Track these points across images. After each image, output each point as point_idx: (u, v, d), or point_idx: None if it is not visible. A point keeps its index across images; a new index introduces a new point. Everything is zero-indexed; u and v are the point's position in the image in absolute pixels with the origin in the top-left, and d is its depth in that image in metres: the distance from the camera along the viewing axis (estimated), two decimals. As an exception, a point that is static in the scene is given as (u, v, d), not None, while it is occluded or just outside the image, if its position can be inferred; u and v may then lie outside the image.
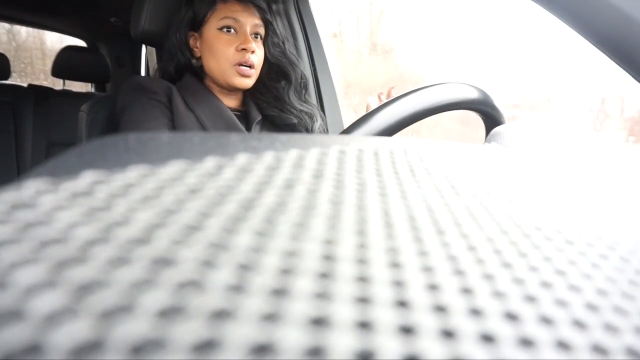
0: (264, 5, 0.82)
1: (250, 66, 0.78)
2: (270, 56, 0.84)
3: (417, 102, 0.58)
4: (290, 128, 0.85)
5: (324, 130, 0.89)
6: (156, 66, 0.93)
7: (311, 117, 0.86)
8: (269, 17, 0.83)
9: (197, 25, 0.80)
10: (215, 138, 0.20)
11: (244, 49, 0.77)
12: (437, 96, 0.60)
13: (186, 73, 0.83)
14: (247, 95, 0.87)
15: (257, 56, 0.79)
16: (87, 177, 0.14)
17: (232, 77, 0.78)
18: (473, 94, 0.63)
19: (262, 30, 0.82)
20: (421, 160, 0.22)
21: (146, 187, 0.14)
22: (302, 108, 0.86)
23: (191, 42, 0.81)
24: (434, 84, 0.61)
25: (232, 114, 0.80)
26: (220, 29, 0.77)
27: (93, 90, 2.19)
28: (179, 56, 0.81)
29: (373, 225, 0.13)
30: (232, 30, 0.78)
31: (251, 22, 0.79)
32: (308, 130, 0.85)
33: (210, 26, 0.78)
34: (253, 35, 0.79)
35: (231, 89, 0.81)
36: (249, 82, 0.79)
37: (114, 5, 1.76)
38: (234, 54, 0.77)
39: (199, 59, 0.81)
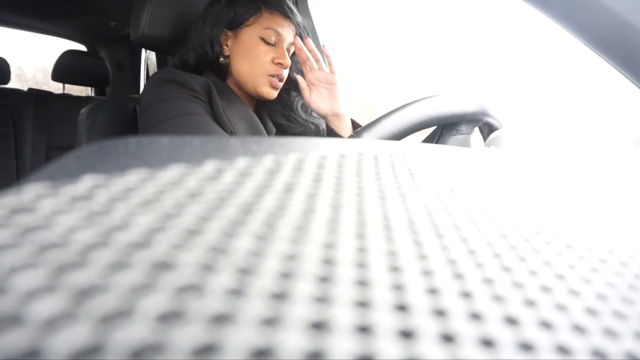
0: (301, 23, 0.82)
1: (281, 80, 0.79)
2: (292, 71, 0.84)
3: (417, 114, 0.59)
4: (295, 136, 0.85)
5: None
6: (173, 57, 0.88)
7: (317, 126, 0.87)
8: (303, 34, 0.83)
9: (234, 25, 0.79)
10: (215, 142, 0.20)
11: (280, 64, 0.77)
12: (437, 108, 0.60)
13: (206, 70, 0.82)
14: (259, 102, 0.87)
15: (287, 71, 0.80)
16: (86, 181, 0.14)
17: (263, 85, 0.78)
18: (473, 106, 0.63)
19: (291, 48, 0.82)
20: (420, 164, 0.22)
21: (146, 191, 0.14)
22: (308, 118, 0.86)
23: (222, 39, 0.80)
24: (432, 96, 0.61)
25: (259, 122, 0.80)
26: (262, 38, 0.77)
27: (93, 94, 2.20)
28: (207, 50, 0.80)
29: (373, 228, 0.13)
30: (272, 42, 0.78)
31: (289, 38, 0.80)
32: None
33: (251, 31, 0.78)
34: (287, 51, 0.80)
35: (254, 96, 0.81)
36: (275, 94, 0.80)
37: (114, 10, 1.76)
38: (269, 65, 0.77)
39: (227, 57, 0.80)
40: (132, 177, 0.15)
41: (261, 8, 0.78)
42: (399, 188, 0.18)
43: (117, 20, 1.85)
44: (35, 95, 1.72)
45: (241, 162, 0.17)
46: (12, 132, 1.64)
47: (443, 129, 0.69)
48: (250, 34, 0.78)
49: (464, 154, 0.27)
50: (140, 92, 0.76)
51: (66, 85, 1.89)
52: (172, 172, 0.15)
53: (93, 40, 2.17)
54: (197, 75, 0.77)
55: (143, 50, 2.02)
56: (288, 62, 0.78)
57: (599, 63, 0.42)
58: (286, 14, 0.79)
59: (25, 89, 1.75)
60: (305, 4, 1.17)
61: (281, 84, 0.79)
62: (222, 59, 0.80)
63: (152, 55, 1.94)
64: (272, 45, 0.78)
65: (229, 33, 0.80)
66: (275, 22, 0.78)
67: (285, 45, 0.79)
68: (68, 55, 1.85)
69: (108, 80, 1.93)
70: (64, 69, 1.83)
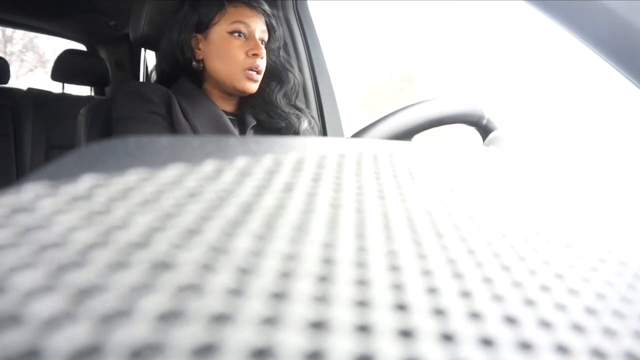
0: (270, 11, 0.82)
1: (259, 72, 0.78)
2: (268, 62, 0.84)
3: (415, 116, 0.59)
4: (280, 132, 0.85)
5: (312, 131, 0.88)
6: (154, 69, 0.91)
7: (298, 117, 0.86)
8: (274, 23, 0.83)
9: (202, 27, 0.79)
10: (215, 142, 0.20)
11: (255, 54, 0.77)
12: (433, 110, 0.60)
13: (182, 76, 0.82)
14: (242, 99, 0.87)
15: (264, 61, 0.80)
16: (86, 181, 0.14)
17: (241, 81, 0.78)
18: (469, 108, 0.64)
19: (266, 36, 0.82)
20: (420, 164, 0.22)
21: (145, 190, 0.14)
22: (289, 110, 0.86)
23: (193, 43, 0.80)
24: (431, 99, 0.62)
25: (227, 120, 0.79)
26: (231, 33, 0.77)
27: (92, 94, 2.20)
28: (178, 57, 0.80)
29: (372, 228, 0.13)
30: (242, 35, 0.78)
31: (260, 27, 0.79)
32: (296, 131, 0.84)
33: (219, 29, 0.78)
34: (260, 41, 0.79)
35: (234, 93, 0.81)
36: (255, 87, 0.80)
37: (114, 9, 1.76)
38: (245, 58, 0.77)
39: (200, 61, 0.80)
40: (132, 176, 0.15)
41: (224, 4, 0.78)
42: (399, 187, 0.18)
43: (117, 19, 1.85)
44: (35, 95, 1.71)
45: (241, 162, 0.17)
46: (11, 131, 1.64)
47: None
48: (219, 32, 0.78)
49: (463, 153, 0.27)
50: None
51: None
52: (171, 171, 0.15)
53: (93, 40, 2.16)
54: (162, 85, 0.79)
55: (143, 49, 2.01)
56: (263, 52, 0.77)
57: (598, 63, 0.42)
58: (251, 4, 0.79)
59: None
60: (305, 6, 1.17)
61: (259, 76, 0.79)
62: (194, 63, 0.80)
63: (152, 54, 1.94)
64: (243, 38, 0.78)
65: (199, 36, 0.80)
66: (242, 14, 0.78)
67: (257, 35, 0.79)
68: (67, 54, 1.84)
69: (108, 79, 1.93)
70: (64, 68, 1.83)
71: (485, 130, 0.68)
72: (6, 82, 1.80)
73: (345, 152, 0.21)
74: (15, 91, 1.71)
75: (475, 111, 0.64)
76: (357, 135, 0.59)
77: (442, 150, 0.26)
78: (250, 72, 0.77)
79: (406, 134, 0.60)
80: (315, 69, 1.12)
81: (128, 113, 0.74)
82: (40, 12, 1.90)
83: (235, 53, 0.77)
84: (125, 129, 0.73)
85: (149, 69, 1.94)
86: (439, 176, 0.20)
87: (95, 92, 2.19)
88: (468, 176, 0.21)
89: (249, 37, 0.78)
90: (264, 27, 0.81)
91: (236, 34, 0.77)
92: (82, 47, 2.20)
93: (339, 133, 1.14)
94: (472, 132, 0.71)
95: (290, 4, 1.12)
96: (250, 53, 0.77)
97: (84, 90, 2.10)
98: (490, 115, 0.67)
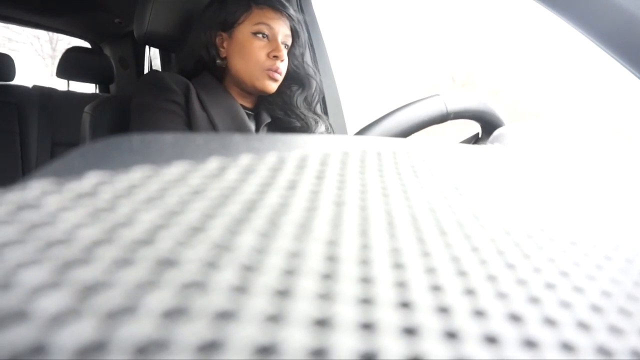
0: (295, 16, 0.83)
1: (279, 73, 0.79)
2: (290, 66, 0.85)
3: (419, 113, 0.59)
4: (295, 131, 0.85)
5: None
6: (173, 63, 0.92)
7: (316, 122, 0.87)
8: (298, 28, 0.84)
9: (227, 26, 0.80)
10: (219, 139, 0.20)
11: (275, 57, 0.78)
12: (435, 107, 0.60)
13: (204, 71, 0.84)
14: (261, 97, 0.88)
15: (285, 64, 0.81)
16: (91, 178, 0.14)
17: (261, 79, 0.79)
18: (473, 104, 0.63)
19: (289, 41, 0.83)
20: (424, 161, 0.22)
21: (150, 188, 0.14)
22: (308, 114, 0.86)
23: (218, 41, 0.82)
24: (429, 96, 0.61)
25: (244, 114, 0.81)
26: (254, 33, 0.78)
27: (97, 91, 2.20)
28: (203, 55, 0.82)
29: (376, 226, 0.13)
30: (265, 37, 0.79)
31: (283, 31, 0.80)
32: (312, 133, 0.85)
33: (243, 29, 0.79)
34: (283, 45, 0.81)
35: (254, 92, 0.82)
36: (275, 87, 0.81)
37: (118, 7, 1.76)
38: (265, 59, 0.78)
39: (223, 59, 0.82)
40: (136, 174, 0.15)
41: (251, 5, 0.80)
42: (402, 185, 0.18)
43: (121, 17, 1.85)
44: (40, 92, 1.72)
45: (244, 159, 0.17)
46: (17, 129, 1.65)
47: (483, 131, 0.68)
48: (243, 32, 0.79)
49: (468, 151, 0.27)
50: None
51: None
52: (175, 169, 0.15)
53: (97, 37, 2.17)
54: (182, 77, 0.80)
55: (147, 47, 2.02)
56: (282, 54, 0.79)
57: (604, 59, 0.42)
58: (276, 8, 0.80)
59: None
60: (309, 5, 1.17)
61: (280, 77, 0.80)
62: (218, 61, 0.82)
63: (156, 52, 1.94)
64: (266, 39, 0.79)
65: (224, 35, 0.81)
66: (266, 16, 0.79)
67: (280, 39, 0.80)
68: (72, 52, 1.85)
69: (112, 77, 1.93)
70: (68, 65, 1.84)
71: (490, 127, 0.68)
72: (12, 80, 1.81)
73: (348, 150, 0.21)
74: (21, 89, 1.72)
75: (482, 107, 0.64)
76: (360, 132, 0.59)
77: (445, 147, 0.26)
78: (270, 72, 0.78)
79: (411, 131, 0.60)
80: (319, 67, 1.12)
81: (147, 101, 0.75)
82: (45, 10, 1.90)
83: (257, 53, 0.78)
84: (142, 118, 0.74)
85: (153, 66, 1.94)
86: (443, 173, 0.20)
87: (100, 90, 2.20)
88: (472, 173, 0.21)
89: (271, 39, 0.79)
90: (288, 32, 0.82)
91: (259, 35, 0.79)
92: (86, 45, 2.21)
93: (343, 131, 1.14)
94: (474, 128, 0.71)
95: (294, 2, 1.12)
96: (272, 54, 0.78)
97: (89, 88, 2.11)
98: (496, 110, 0.66)
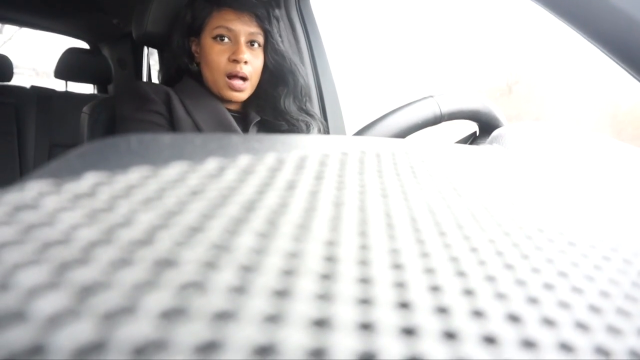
0: (261, 12, 0.79)
1: (243, 78, 0.76)
2: (269, 63, 0.81)
3: (418, 113, 0.59)
4: (284, 131, 0.84)
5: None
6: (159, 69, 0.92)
7: (307, 125, 0.84)
8: (267, 25, 0.79)
9: (195, 31, 0.79)
10: (217, 139, 0.20)
11: (234, 60, 0.75)
12: (428, 109, 0.60)
13: (185, 76, 0.83)
14: (247, 100, 0.86)
15: (252, 66, 0.77)
16: (89, 179, 0.14)
17: (224, 89, 0.77)
18: (468, 104, 0.63)
19: (260, 38, 0.79)
20: (423, 162, 0.22)
21: (148, 188, 0.14)
22: (299, 117, 0.83)
23: (193, 47, 0.80)
24: (426, 97, 0.61)
25: (230, 117, 0.78)
26: (214, 38, 0.76)
27: (95, 92, 2.20)
28: (178, 59, 0.81)
29: (375, 226, 0.13)
30: (226, 40, 0.76)
31: (246, 30, 0.77)
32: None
33: (206, 35, 0.77)
34: (249, 44, 0.77)
35: (225, 100, 0.80)
36: (241, 96, 0.78)
37: (117, 7, 1.76)
38: (226, 64, 0.75)
39: (198, 64, 0.80)
40: (135, 174, 0.15)
41: (211, 9, 0.77)
42: (401, 186, 0.18)
43: (120, 18, 1.85)
44: (38, 93, 1.72)
45: (243, 160, 0.17)
46: (14, 129, 1.65)
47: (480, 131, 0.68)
48: (206, 38, 0.77)
49: (467, 151, 0.27)
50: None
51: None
52: (174, 169, 0.15)
53: (95, 38, 2.17)
54: (166, 85, 0.80)
55: (145, 48, 2.02)
56: (243, 57, 0.75)
57: (603, 60, 0.42)
58: (234, 7, 0.76)
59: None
60: (308, 4, 1.16)
61: (246, 84, 0.77)
62: (192, 66, 0.80)
63: (155, 52, 1.94)
64: (228, 42, 0.76)
65: (196, 40, 0.80)
66: (225, 18, 0.76)
67: (243, 39, 0.76)
68: (70, 53, 1.85)
69: (110, 78, 1.93)
70: (67, 66, 1.83)
71: (488, 127, 0.68)
72: (9, 80, 1.81)
73: (347, 150, 0.21)
74: (19, 89, 1.72)
75: (481, 107, 0.64)
76: (359, 133, 0.58)
77: (444, 148, 0.26)
78: (231, 81, 0.75)
79: (402, 135, 0.60)
80: (317, 68, 1.12)
81: (129, 114, 0.75)
82: (43, 10, 1.90)
83: (218, 58, 0.76)
84: (126, 130, 0.74)
85: (151, 67, 1.94)
86: (442, 174, 0.20)
87: (98, 91, 2.20)
88: (471, 174, 0.21)
89: (233, 42, 0.76)
90: (254, 30, 0.78)
91: (218, 39, 0.76)
92: (84, 45, 2.21)
93: (342, 131, 1.14)
94: (472, 128, 0.71)
95: (292, 2, 1.11)
96: (231, 58, 0.75)
97: (87, 89, 2.11)
98: (495, 112, 0.66)
